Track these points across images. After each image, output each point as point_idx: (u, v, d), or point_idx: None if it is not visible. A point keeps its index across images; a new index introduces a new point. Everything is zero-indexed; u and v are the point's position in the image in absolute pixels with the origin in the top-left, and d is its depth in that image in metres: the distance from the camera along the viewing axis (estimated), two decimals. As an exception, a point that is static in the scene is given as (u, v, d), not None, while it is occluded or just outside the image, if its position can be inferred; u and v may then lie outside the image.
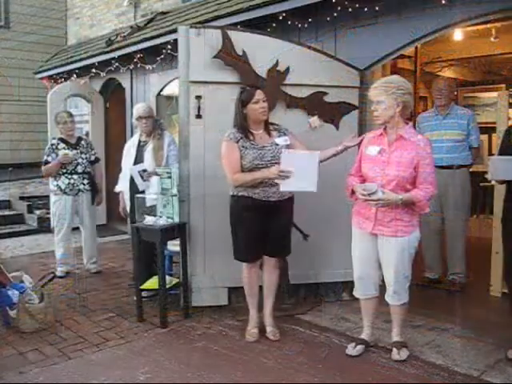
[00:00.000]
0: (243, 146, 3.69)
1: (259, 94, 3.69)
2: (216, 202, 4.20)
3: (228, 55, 4.25)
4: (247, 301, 3.98)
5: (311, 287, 4.59)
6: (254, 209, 3.71)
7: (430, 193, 3.37)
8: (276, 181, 3.52)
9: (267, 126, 3.82)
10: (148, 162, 4.70)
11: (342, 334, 3.97)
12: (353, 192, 3.50)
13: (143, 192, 4.67)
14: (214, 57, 4.22)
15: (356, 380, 3.26)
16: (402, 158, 3.35)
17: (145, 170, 4.69)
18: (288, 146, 3.72)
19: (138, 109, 4.85)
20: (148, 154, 4.74)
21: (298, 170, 3.43)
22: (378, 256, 3.53)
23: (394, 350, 3.57)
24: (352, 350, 3.62)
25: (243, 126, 3.73)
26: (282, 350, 3.69)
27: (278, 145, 3.73)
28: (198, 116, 4.29)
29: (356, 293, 3.71)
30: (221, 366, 3.44)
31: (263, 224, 3.76)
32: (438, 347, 3.72)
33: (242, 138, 3.72)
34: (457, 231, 4.90)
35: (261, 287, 3.97)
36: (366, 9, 4.66)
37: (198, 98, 4.27)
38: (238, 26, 5.21)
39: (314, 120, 4.50)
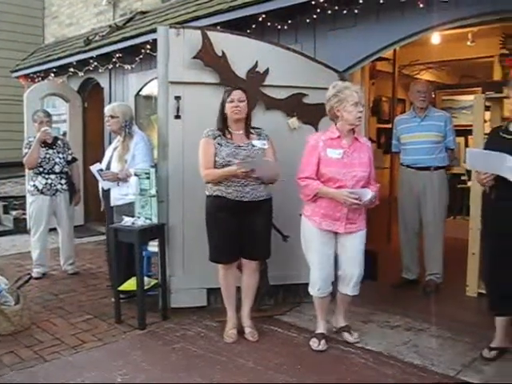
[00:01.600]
0: (219, 143, 3.75)
1: (235, 94, 3.74)
2: (195, 202, 4.18)
3: (207, 56, 4.24)
4: (224, 302, 3.98)
5: (290, 288, 4.59)
6: (228, 209, 3.73)
7: (378, 189, 3.71)
8: None
9: (247, 127, 3.84)
10: (114, 163, 4.66)
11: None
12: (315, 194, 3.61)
13: (109, 191, 4.65)
14: (194, 57, 4.21)
15: (335, 381, 3.27)
16: (361, 159, 3.62)
17: (101, 170, 4.65)
18: (264, 151, 3.77)
19: (105, 108, 4.86)
20: (115, 155, 4.70)
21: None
22: (335, 254, 3.71)
23: (346, 334, 3.85)
24: (318, 345, 3.71)
25: (223, 125, 3.79)
26: (260, 351, 3.69)
27: (254, 146, 3.76)
28: (177, 116, 4.27)
29: (317, 292, 3.73)
30: (199, 368, 3.43)
31: (238, 225, 3.77)
32: (415, 347, 3.75)
33: (219, 135, 3.78)
34: (434, 232, 4.94)
35: (239, 288, 3.98)
36: (345, 11, 4.69)
37: (177, 98, 4.25)
38: (218, 27, 5.20)
39: (293, 121, 4.51)
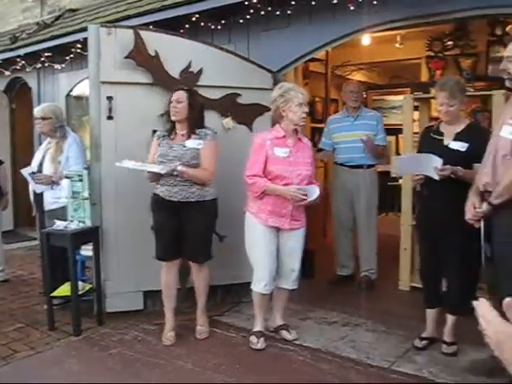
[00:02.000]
0: (160, 144, 3.82)
1: (174, 95, 3.76)
2: (129, 204, 4.13)
3: (140, 56, 4.18)
4: (164, 303, 3.94)
5: (229, 288, 4.59)
6: (162, 208, 3.78)
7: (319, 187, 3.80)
8: None
9: (191, 128, 3.81)
10: (47, 165, 4.52)
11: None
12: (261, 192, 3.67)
13: (41, 194, 4.51)
14: (126, 57, 4.14)
15: (275, 380, 3.29)
16: (305, 158, 3.74)
17: (34, 173, 4.51)
18: (197, 151, 3.75)
19: (35, 110, 4.71)
20: (47, 157, 4.55)
21: None
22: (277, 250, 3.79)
23: (284, 332, 3.92)
24: (257, 343, 3.75)
25: (170, 125, 3.84)
26: (199, 353, 3.67)
27: (185, 147, 3.75)
28: (110, 117, 4.18)
29: (263, 288, 3.76)
30: (137, 372, 3.37)
31: (177, 224, 3.78)
32: (351, 342, 3.84)
33: (164, 136, 3.84)
34: (367, 229, 5.07)
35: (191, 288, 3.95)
36: (278, 12, 4.74)
37: (110, 98, 4.17)
38: (151, 26, 5.13)
39: (228, 121, 4.51)
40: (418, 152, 3.72)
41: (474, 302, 1.11)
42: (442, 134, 3.55)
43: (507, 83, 2.99)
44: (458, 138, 3.46)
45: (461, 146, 3.42)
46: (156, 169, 3.64)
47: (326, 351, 3.68)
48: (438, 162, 3.32)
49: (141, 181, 3.90)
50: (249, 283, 3.86)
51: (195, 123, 3.81)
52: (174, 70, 4.29)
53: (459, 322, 3.57)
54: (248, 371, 3.39)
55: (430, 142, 3.58)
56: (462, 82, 3.58)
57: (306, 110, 3.72)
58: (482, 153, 3.05)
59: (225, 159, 3.96)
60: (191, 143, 3.77)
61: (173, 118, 3.76)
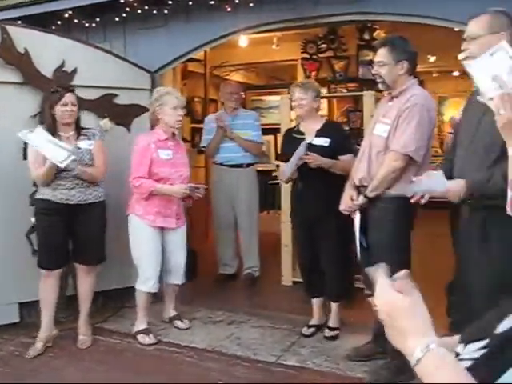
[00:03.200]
0: None
1: (68, 97, 3.62)
2: (4, 211, 3.88)
3: (7, 53, 3.93)
4: (42, 312, 3.74)
5: (110, 293, 4.45)
6: (54, 213, 3.60)
7: None
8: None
9: (78, 129, 3.72)
10: None
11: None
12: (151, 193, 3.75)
13: None
14: (-8, 54, 3.89)
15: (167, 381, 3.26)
16: (183, 159, 3.95)
17: None
18: (90, 151, 3.68)
19: None
20: None
21: None
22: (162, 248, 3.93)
23: (178, 321, 4.11)
24: (148, 339, 3.83)
25: (51, 128, 3.60)
26: (83, 362, 3.54)
27: (80, 148, 3.64)
28: (-24, 118, 3.91)
29: (151, 287, 3.87)
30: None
31: (67, 229, 3.66)
32: (238, 339, 3.88)
33: None
34: (249, 227, 5.14)
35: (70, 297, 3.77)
36: (155, 11, 4.67)
37: (-25, 98, 3.90)
38: (19, 22, 4.85)
39: (105, 122, 4.38)
40: (282, 152, 3.97)
41: (371, 269, 1.14)
42: (302, 133, 3.81)
43: (380, 86, 3.24)
44: (318, 134, 3.75)
45: (324, 142, 3.71)
46: (62, 156, 3.38)
47: (212, 350, 3.69)
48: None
49: (12, 184, 3.69)
50: (130, 288, 3.79)
51: (79, 124, 3.76)
52: (47, 68, 4.09)
53: (343, 310, 3.81)
54: (137, 377, 3.31)
55: (292, 141, 3.80)
56: (317, 85, 3.90)
57: (181, 112, 3.86)
58: (343, 146, 3.45)
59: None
60: (84, 144, 3.68)
61: (66, 121, 3.62)
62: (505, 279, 2.25)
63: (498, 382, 0.97)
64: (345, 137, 4.00)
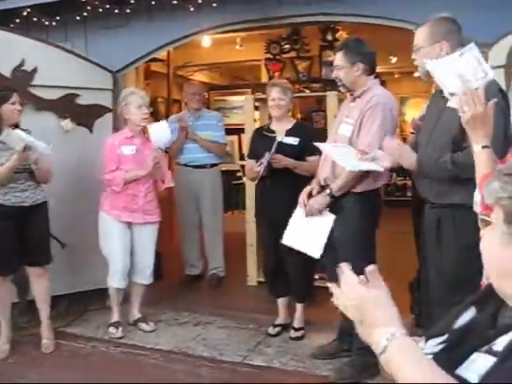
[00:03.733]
0: None
1: (16, 97, 3.58)
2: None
3: (-36, 51, 3.84)
4: None
5: (74, 297, 4.37)
6: (6, 217, 3.50)
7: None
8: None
9: (19, 128, 3.62)
10: None
11: (109, 340, 3.89)
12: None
13: None
14: None
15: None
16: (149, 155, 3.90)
17: None
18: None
19: None
20: None
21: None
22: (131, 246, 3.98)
23: (143, 324, 4.06)
24: (117, 332, 3.92)
25: None
26: (46, 368, 3.47)
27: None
28: None
29: (119, 283, 3.95)
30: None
31: (18, 232, 3.56)
32: (204, 340, 3.87)
33: None
34: (214, 227, 5.13)
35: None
36: (116, 10, 4.61)
37: None
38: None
39: (67, 123, 4.31)
40: (252, 150, 4.00)
41: (340, 266, 1.16)
42: (273, 132, 3.85)
43: (341, 89, 3.32)
44: (289, 133, 3.80)
45: (293, 141, 3.77)
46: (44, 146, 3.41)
47: (178, 352, 3.67)
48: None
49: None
50: (94, 290, 3.75)
51: (19, 126, 3.68)
52: (5, 68, 3.99)
53: (309, 308, 3.86)
54: (102, 381, 3.25)
55: (263, 139, 3.85)
56: (290, 85, 3.96)
57: (146, 111, 3.94)
58: (311, 147, 3.43)
59: (65, 162, 3.83)
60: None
61: (15, 121, 3.57)
62: (459, 278, 2.31)
63: (456, 371, 1.02)
64: (314, 137, 4.03)
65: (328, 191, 3.18)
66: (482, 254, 1.15)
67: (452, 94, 1.91)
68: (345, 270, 1.15)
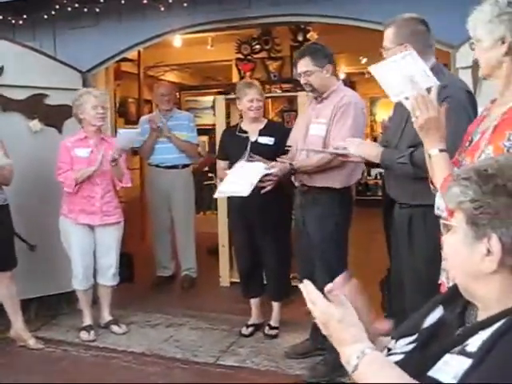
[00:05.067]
0: None
1: None
2: None
3: None
4: None
5: (43, 300, 4.31)
6: None
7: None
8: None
9: None
10: None
11: (80, 344, 3.84)
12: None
13: None
14: None
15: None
16: (107, 156, 3.83)
17: None
18: None
19: None
20: None
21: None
22: (93, 247, 3.95)
23: (115, 326, 4.03)
24: (88, 336, 3.88)
25: None
26: (16, 375, 3.38)
27: None
28: None
29: (80, 285, 3.94)
30: None
31: None
32: (176, 342, 3.85)
33: None
34: (185, 228, 5.10)
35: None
36: (86, 9, 4.55)
37: None
38: None
39: (35, 124, 4.24)
40: (222, 151, 3.97)
41: (300, 285, 1.17)
42: (246, 132, 3.83)
43: (312, 93, 3.37)
44: (262, 133, 3.78)
45: (268, 140, 3.75)
46: None
47: (151, 354, 3.65)
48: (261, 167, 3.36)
49: None
50: (65, 294, 3.70)
51: None
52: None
53: (280, 309, 3.87)
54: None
55: (236, 140, 3.82)
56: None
57: (101, 110, 3.87)
58: (284, 145, 3.47)
59: (33, 163, 3.80)
60: None
61: None
62: (428, 277, 2.33)
63: (429, 373, 1.03)
64: (287, 137, 3.98)
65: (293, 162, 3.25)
66: (447, 258, 1.17)
67: (397, 96, 1.93)
68: (308, 287, 1.16)
